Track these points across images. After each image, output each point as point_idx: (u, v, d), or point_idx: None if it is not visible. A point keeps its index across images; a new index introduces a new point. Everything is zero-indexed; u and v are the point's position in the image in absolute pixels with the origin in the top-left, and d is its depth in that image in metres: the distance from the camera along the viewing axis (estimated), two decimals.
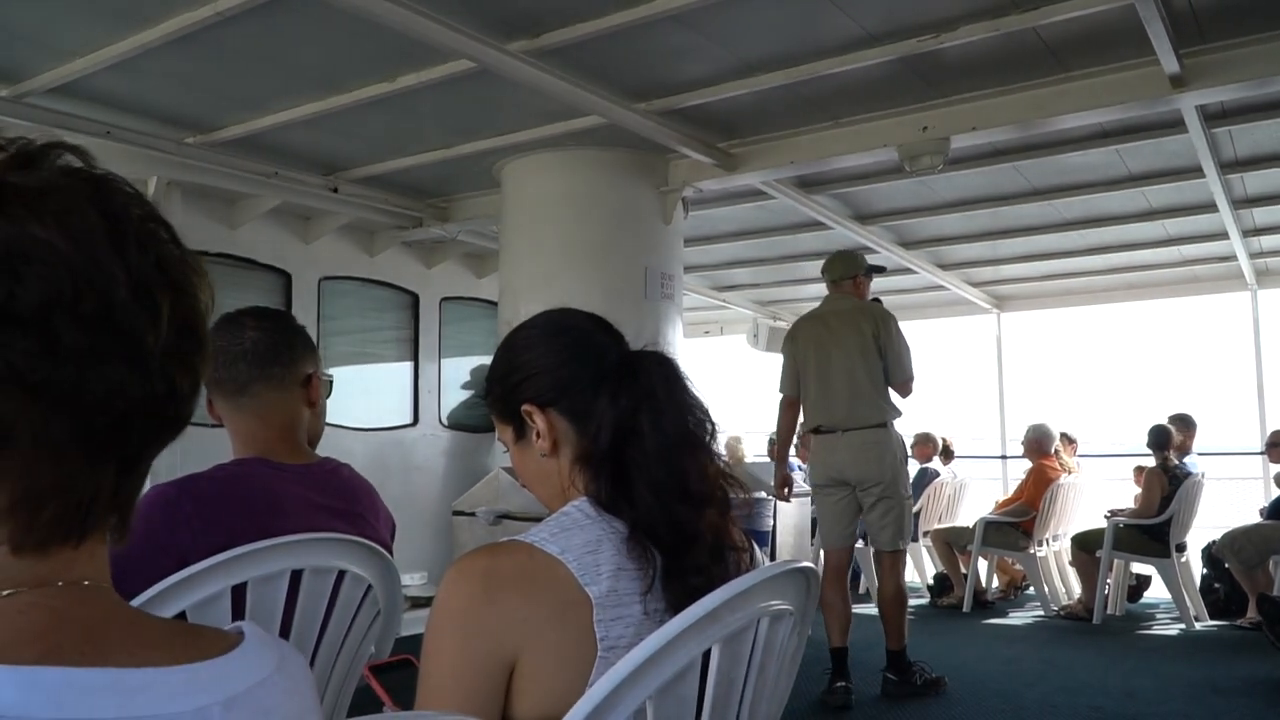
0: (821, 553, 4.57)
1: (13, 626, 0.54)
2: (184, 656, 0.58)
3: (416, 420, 6.45)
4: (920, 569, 7.43)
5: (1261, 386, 7.75)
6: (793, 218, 6.25)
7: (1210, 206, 5.80)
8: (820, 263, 4.73)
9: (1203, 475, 6.20)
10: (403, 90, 4.03)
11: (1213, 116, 4.49)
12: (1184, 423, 6.50)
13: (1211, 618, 6.05)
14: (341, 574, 1.55)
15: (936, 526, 7.20)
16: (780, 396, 4.48)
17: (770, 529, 5.96)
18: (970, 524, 6.85)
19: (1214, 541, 6.13)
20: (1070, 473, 6.95)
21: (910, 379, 4.35)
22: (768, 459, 6.85)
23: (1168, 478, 6.08)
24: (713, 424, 1.26)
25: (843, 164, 4.92)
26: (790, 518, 6.16)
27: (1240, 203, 5.89)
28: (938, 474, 7.62)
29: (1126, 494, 7.46)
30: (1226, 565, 5.90)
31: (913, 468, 6.44)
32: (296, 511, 1.57)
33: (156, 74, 3.97)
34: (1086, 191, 5.73)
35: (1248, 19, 3.58)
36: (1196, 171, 5.14)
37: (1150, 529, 6.02)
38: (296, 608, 1.49)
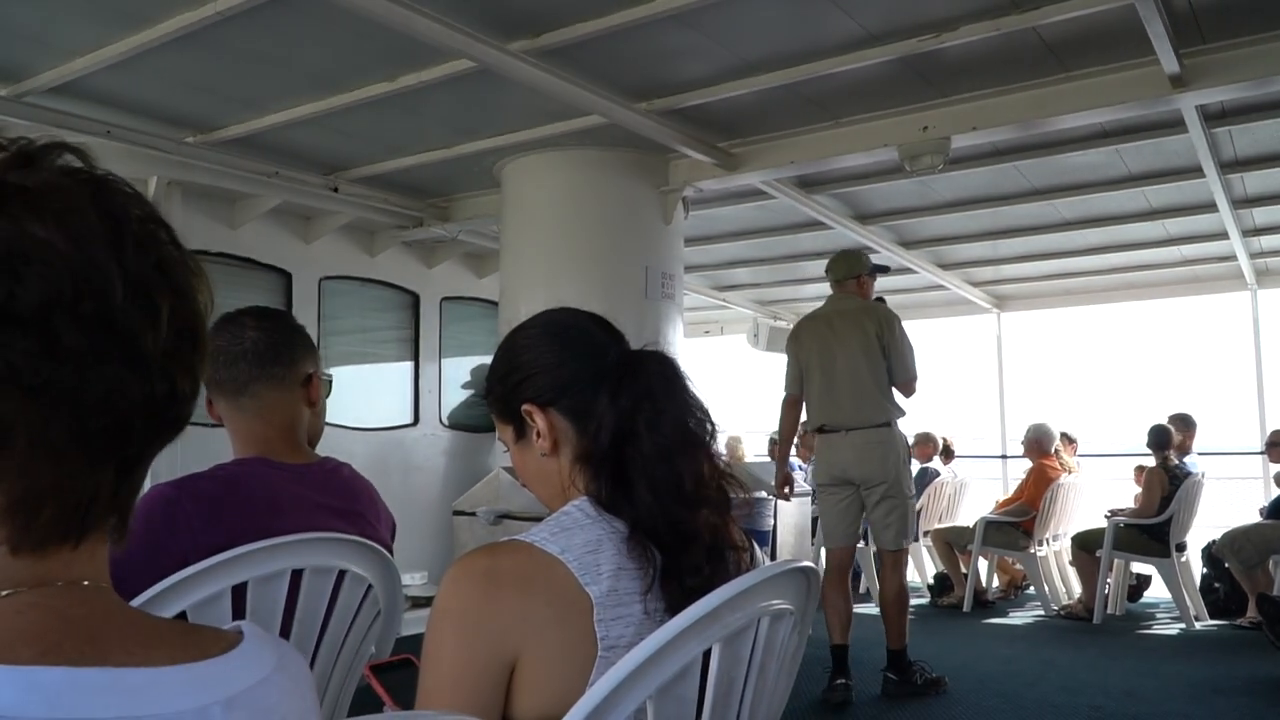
0: (823, 551, 4.57)
1: (12, 626, 0.54)
2: (184, 656, 0.58)
3: (417, 420, 6.45)
4: (920, 569, 7.42)
5: (1261, 386, 7.75)
6: (793, 218, 6.25)
7: (1210, 206, 5.80)
8: (821, 262, 4.73)
9: (1203, 475, 6.20)
10: (403, 90, 4.03)
11: (1213, 116, 4.49)
12: (1184, 422, 6.50)
13: (1211, 617, 6.04)
14: (342, 574, 1.54)
15: (937, 526, 7.19)
16: (783, 395, 4.48)
17: (771, 529, 5.96)
18: (970, 524, 6.84)
19: (1214, 541, 6.12)
20: (1070, 472, 6.94)
21: (914, 379, 4.35)
22: (768, 459, 6.86)
23: (1168, 477, 6.08)
24: (713, 424, 1.26)
25: (843, 164, 4.92)
26: (791, 517, 6.16)
27: (1240, 203, 5.89)
28: (938, 474, 7.62)
29: (1126, 494, 7.46)
30: (1226, 565, 5.89)
31: (913, 467, 6.43)
32: (297, 511, 1.57)
33: (157, 73, 3.97)
34: (1086, 191, 5.72)
35: (1248, 19, 3.58)
36: (1196, 171, 5.14)
37: (1150, 529, 6.02)
38: (297, 607, 1.49)
